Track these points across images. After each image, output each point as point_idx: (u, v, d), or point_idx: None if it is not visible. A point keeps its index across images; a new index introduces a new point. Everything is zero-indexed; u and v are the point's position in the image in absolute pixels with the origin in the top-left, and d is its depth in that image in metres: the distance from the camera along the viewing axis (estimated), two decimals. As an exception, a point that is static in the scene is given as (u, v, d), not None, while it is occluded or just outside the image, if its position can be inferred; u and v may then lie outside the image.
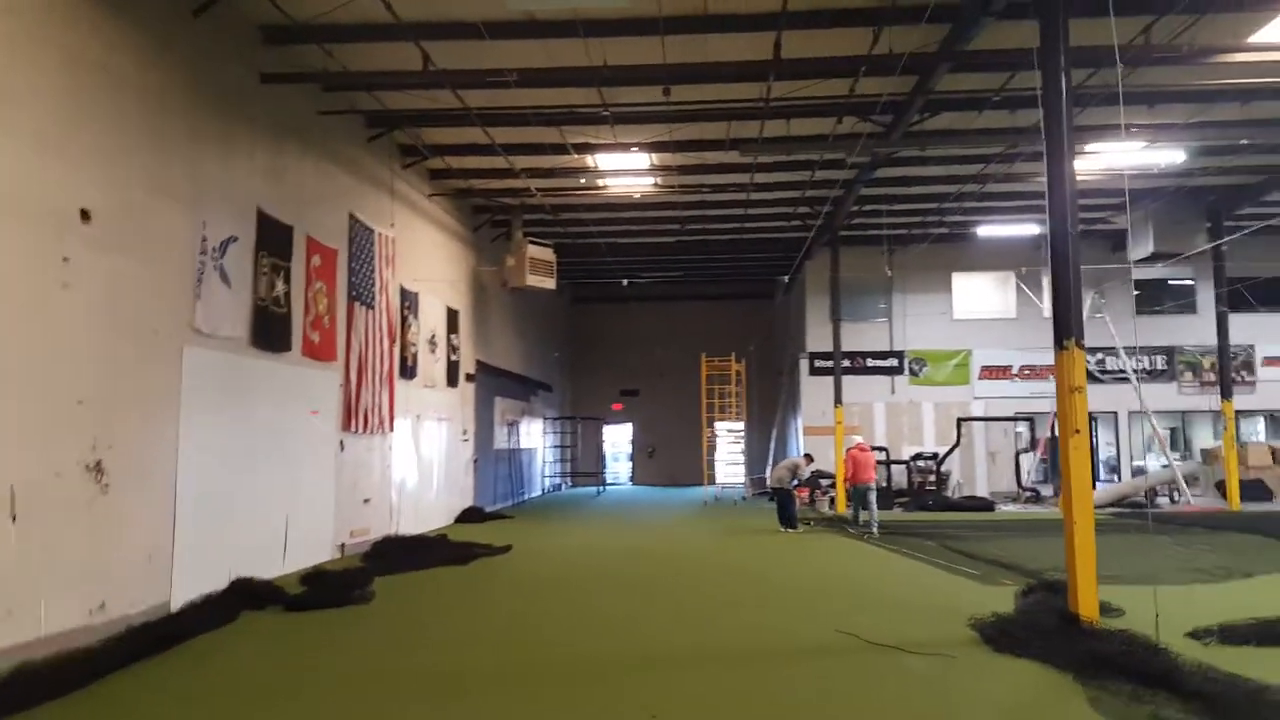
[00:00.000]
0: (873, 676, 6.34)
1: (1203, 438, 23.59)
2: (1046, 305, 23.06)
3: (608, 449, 30.61)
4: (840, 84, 12.35)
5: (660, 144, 14.92)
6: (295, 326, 11.55)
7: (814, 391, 23.70)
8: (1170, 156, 15.09)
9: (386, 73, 11.75)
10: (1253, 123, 13.95)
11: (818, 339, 23.91)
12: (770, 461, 27.32)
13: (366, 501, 13.78)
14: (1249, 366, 23.06)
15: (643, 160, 15.85)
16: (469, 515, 18.38)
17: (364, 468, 13.76)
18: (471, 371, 19.61)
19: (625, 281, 25.01)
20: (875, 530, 15.10)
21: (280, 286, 11.17)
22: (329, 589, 9.64)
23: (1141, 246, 19.45)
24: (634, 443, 31.61)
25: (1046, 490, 21.47)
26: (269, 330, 10.86)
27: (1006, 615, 7.77)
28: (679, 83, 12.10)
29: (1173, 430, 23.92)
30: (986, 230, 20.64)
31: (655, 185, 17.66)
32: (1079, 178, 17.27)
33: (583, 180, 16.77)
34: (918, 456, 21.88)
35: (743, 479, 24.55)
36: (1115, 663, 6.22)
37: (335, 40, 11.12)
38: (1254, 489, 20.31)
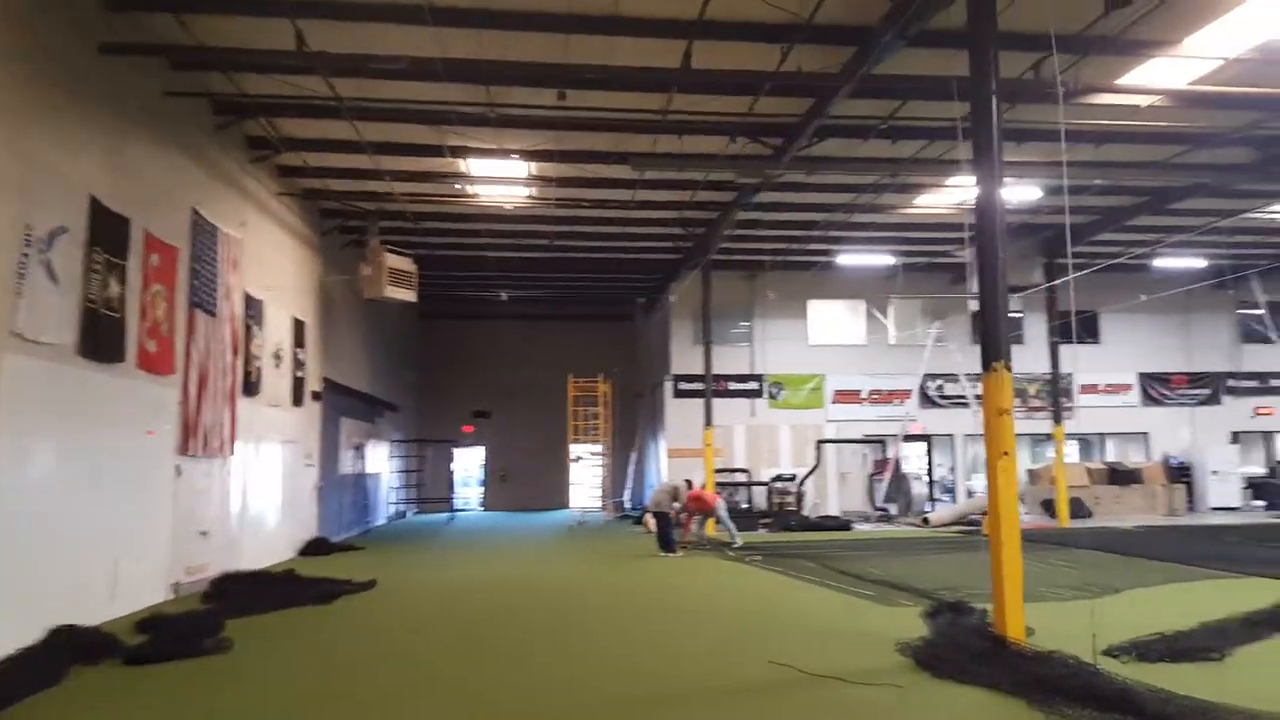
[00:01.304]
0: (828, 713, 5.91)
1: (1024, 459, 25.16)
2: (893, 333, 24.06)
3: (458, 474, 29.22)
4: (740, 102, 12.16)
5: (544, 153, 14.26)
6: (130, 334, 10.06)
7: (679, 414, 23.53)
8: (1027, 194, 15.92)
9: (252, 51, 10.49)
10: (1103, 164, 14.86)
11: (683, 361, 23.79)
12: (630, 485, 26.95)
13: (204, 534, 12.19)
14: (1068, 394, 24.83)
15: (521, 169, 15.11)
16: (315, 547, 16.80)
17: (202, 496, 12.17)
18: (318, 389, 18.07)
19: (504, 295, 23.88)
20: (736, 543, 15.77)
21: (114, 288, 9.68)
22: (175, 637, 8.26)
23: (985, 279, 20.49)
24: (485, 467, 30.39)
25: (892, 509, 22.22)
26: (100, 337, 9.37)
27: (932, 639, 7.60)
28: (577, 86, 11.51)
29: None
30: (846, 259, 21.19)
31: (530, 197, 16.95)
32: (933, 210, 18.21)
33: (457, 186, 15.82)
34: (778, 478, 22.10)
35: (601, 503, 23.96)
36: (1064, 687, 6.09)
37: (190, 9, 9.83)
38: (1073, 506, 21.71)
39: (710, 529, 17.68)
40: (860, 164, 14.38)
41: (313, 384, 17.68)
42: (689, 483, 16.70)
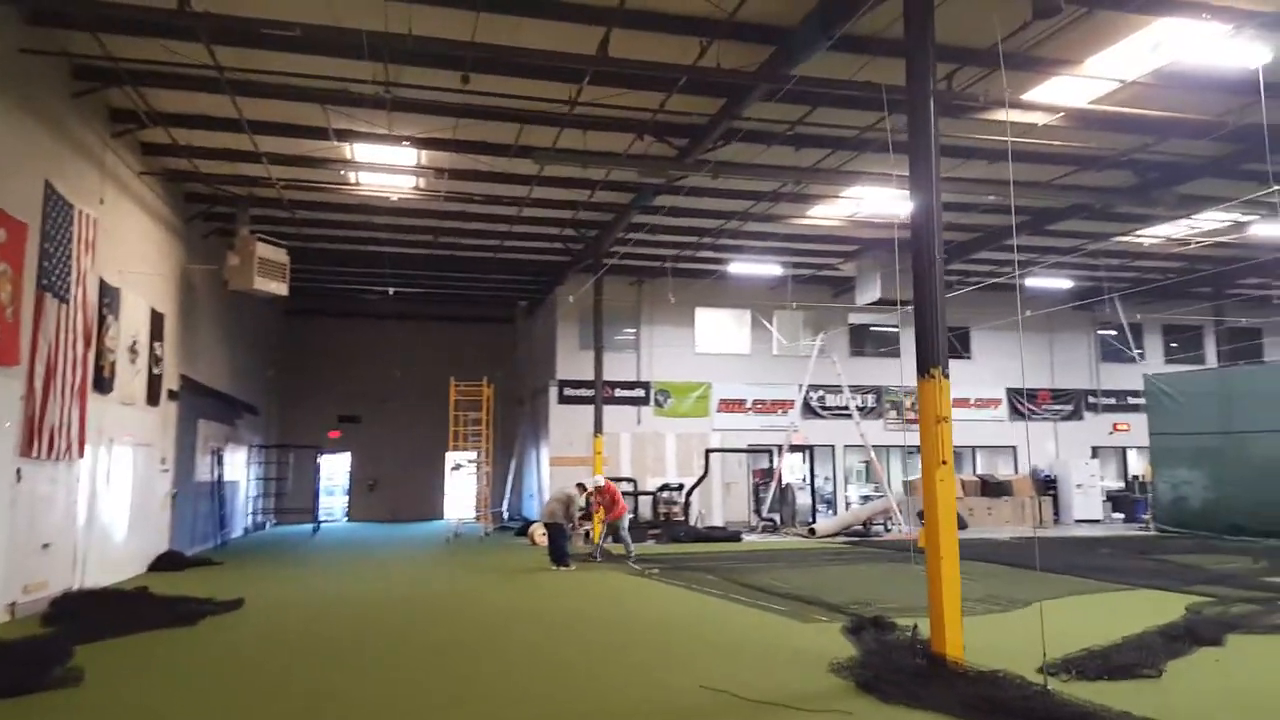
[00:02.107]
0: (779, 744, 5.52)
1: (896, 471, 25.85)
2: (782, 343, 24.28)
3: (323, 482, 27.54)
4: (652, 98, 11.79)
5: (439, 141, 13.47)
6: (-38, 317, 8.71)
7: (563, 421, 22.93)
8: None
9: (124, 4, 9.30)
10: (995, 181, 15.21)
11: (569, 367, 23.22)
12: (508, 495, 26.10)
13: (46, 547, 10.77)
14: (941, 407, 25.71)
15: (411, 157, 14.24)
16: (168, 561, 15.30)
17: (45, 503, 10.76)
18: (175, 388, 16.52)
19: (383, 292, 22.43)
20: (632, 556, 15.09)
21: (-54, 263, 8.35)
22: (17, 667, 7.11)
23: (869, 292, 20.93)
24: (352, 475, 28.80)
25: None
26: (-75, 320, 8.04)
27: (865, 659, 7.35)
28: (483, 70, 10.82)
29: (866, 463, 26.04)
30: (736, 268, 21.17)
31: (417, 189, 16.05)
32: (824, 222, 18.39)
33: (342, 172, 14.76)
34: (664, 487, 21.83)
35: (478, 513, 22.94)
36: (1019, 710, 5.88)
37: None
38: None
39: (595, 535, 17.22)
40: (763, 170, 14.24)
41: (170, 381, 16.14)
42: (601, 481, 16.14)
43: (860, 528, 21.30)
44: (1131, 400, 27.44)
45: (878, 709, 6.19)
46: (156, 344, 15.15)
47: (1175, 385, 21.84)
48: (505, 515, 25.71)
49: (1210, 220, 17.89)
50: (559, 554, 14.64)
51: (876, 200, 16.10)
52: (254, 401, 23.43)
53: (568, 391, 23.28)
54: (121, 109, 12.47)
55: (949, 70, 10.93)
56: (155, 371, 15.12)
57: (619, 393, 23.27)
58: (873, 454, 22.60)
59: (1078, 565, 14.30)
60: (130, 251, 13.74)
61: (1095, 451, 27.06)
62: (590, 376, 22.95)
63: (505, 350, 29.12)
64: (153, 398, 15.04)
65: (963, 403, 26.00)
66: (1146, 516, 24.26)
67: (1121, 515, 25.33)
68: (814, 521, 21.73)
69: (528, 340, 27.64)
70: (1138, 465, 27.70)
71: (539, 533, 19.00)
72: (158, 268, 15.26)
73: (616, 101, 11.74)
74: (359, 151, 13.84)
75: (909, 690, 6.42)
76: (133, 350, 13.93)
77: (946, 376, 7.34)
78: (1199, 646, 7.88)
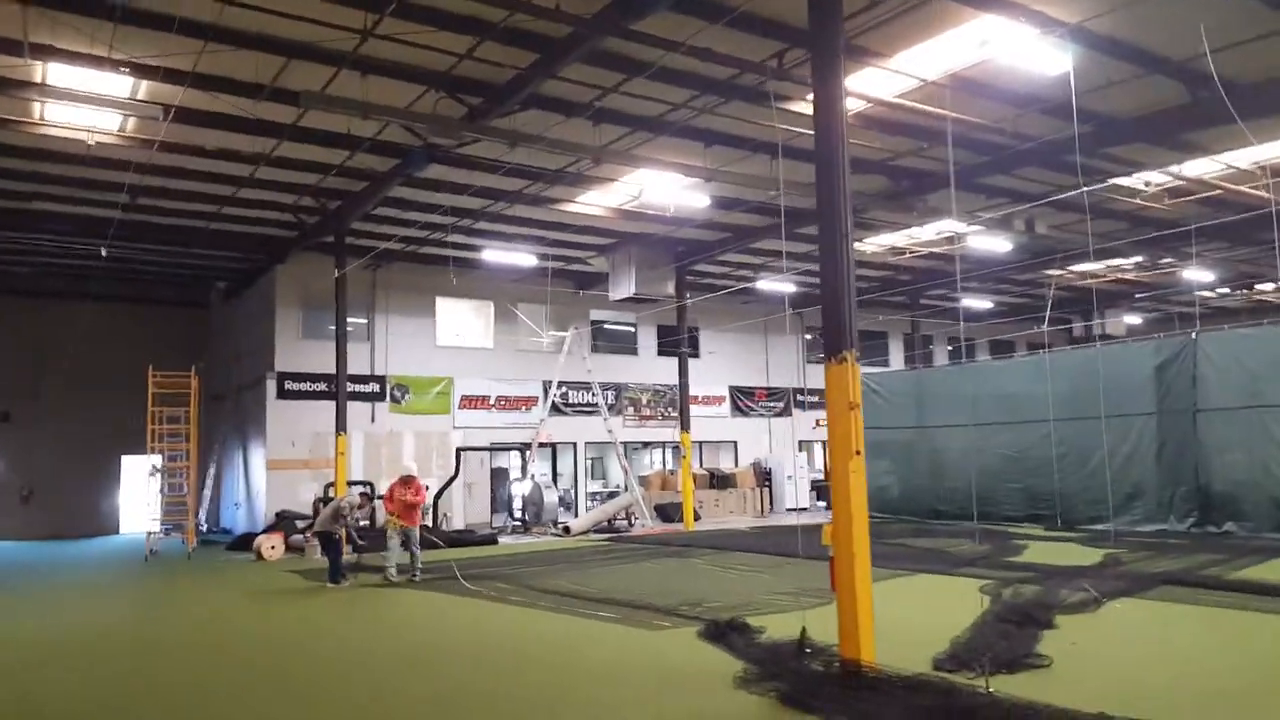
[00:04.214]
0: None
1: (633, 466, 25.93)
2: (524, 338, 23.32)
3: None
4: (459, 42, 10.33)
5: (173, 72, 10.90)
6: None
7: (282, 419, 20.13)
8: (698, 200, 16.11)
9: None
10: (770, 180, 15.41)
11: (289, 358, 20.46)
12: (207, 501, 22.49)
13: None
14: (672, 404, 26.16)
15: (126, 87, 11.43)
16: None
17: None
18: None
19: (104, 251, 17.62)
20: (390, 568, 12.70)
21: None
22: None
23: (623, 288, 20.63)
24: (-5, 484, 23.26)
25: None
26: None
27: (767, 670, 6.70)
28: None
29: (596, 460, 25.95)
30: (490, 255, 19.87)
31: (123, 132, 13.02)
32: (587, 211, 17.73)
33: (28, 100, 11.49)
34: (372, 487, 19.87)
35: (168, 526, 19.28)
36: (971, 717, 5.46)
37: None
38: (678, 510, 22.58)
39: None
40: (557, 144, 13.13)
41: None
42: (407, 478, 13.28)
43: (606, 524, 20.95)
44: (833, 398, 29.90)
45: None
46: None
47: (883, 384, 23.91)
48: (203, 527, 22.11)
49: (932, 231, 19.65)
50: (334, 569, 12.51)
51: (657, 189, 15.71)
52: None
53: (289, 385, 20.51)
54: None
55: (779, 49, 10.69)
56: None
57: (352, 388, 20.84)
58: (621, 450, 22.37)
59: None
60: None
61: (802, 445, 29.11)
62: (314, 369, 20.61)
63: (199, 338, 25.16)
64: None
65: (692, 399, 26.68)
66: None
67: (824, 503, 27.42)
68: (566, 520, 20.98)
69: (231, 327, 24.05)
70: (837, 457, 30.30)
71: (267, 545, 16.41)
72: None
73: (418, 39, 10.14)
74: (56, 75, 10.83)
75: (835, 703, 5.81)
76: None
77: (858, 360, 6.83)
78: (1040, 629, 8.09)
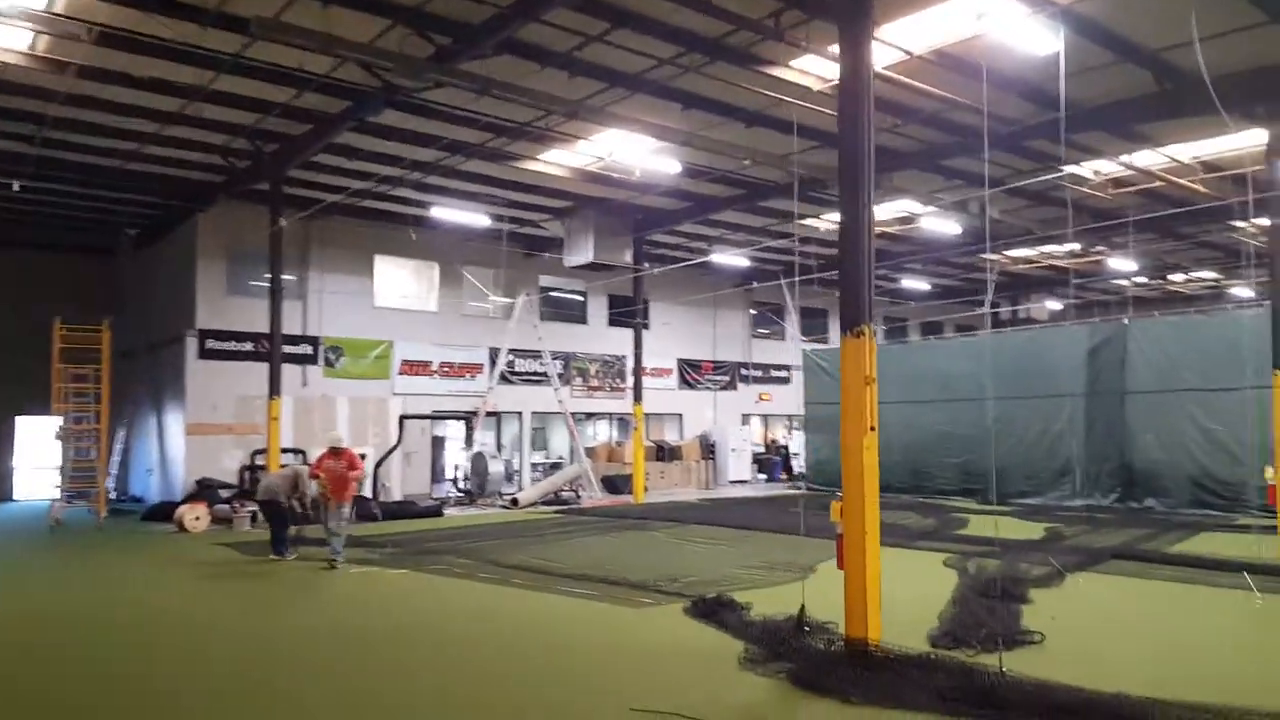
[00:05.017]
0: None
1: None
2: (469, 302, 22.38)
3: None
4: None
5: (104, -15, 9.69)
6: None
7: (204, 380, 18.80)
8: (668, 165, 15.42)
9: None
10: (744, 149, 14.82)
11: (212, 314, 19.10)
12: (115, 470, 20.93)
13: None
14: (621, 375, 25.58)
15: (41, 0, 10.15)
16: None
17: None
18: None
19: (16, 185, 15.65)
20: (340, 552, 11.29)
21: None
22: None
23: (580, 254, 19.85)
24: None
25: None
26: None
27: (776, 649, 6.35)
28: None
29: (538, 430, 25.20)
30: (440, 212, 18.76)
31: (32, 52, 11.61)
32: (548, 171, 16.87)
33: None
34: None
35: (69, 494, 17.75)
36: (993, 699, 5.19)
37: None
38: (629, 481, 22.01)
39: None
40: (528, 94, 12.23)
41: None
42: (337, 449, 11.86)
43: (568, 494, 20.37)
44: (774, 373, 29.76)
45: (842, 711, 5.18)
46: None
47: (829, 359, 23.74)
48: (111, 495, 20.58)
49: (887, 211, 19.41)
50: (278, 540, 11.59)
51: (626, 151, 14.97)
52: None
53: (211, 344, 19.15)
54: None
55: (777, 7, 10.07)
56: None
57: (283, 349, 19.60)
58: (571, 421, 21.71)
59: (796, 525, 14.54)
60: None
61: (745, 419, 28.92)
62: (240, 327, 19.36)
63: (106, 290, 23.24)
64: None
65: (641, 371, 26.14)
66: (783, 476, 26.71)
67: (764, 476, 27.35)
68: (513, 492, 20.22)
69: (145, 279, 22.31)
70: (777, 432, 30.22)
71: (191, 515, 15.26)
72: None
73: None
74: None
75: (864, 687, 5.47)
76: None
77: (874, 335, 6.36)
78: (1019, 604, 7.96)
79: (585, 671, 6.31)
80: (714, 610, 7.66)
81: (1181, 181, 16.49)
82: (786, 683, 5.70)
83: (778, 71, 11.87)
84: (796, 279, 22.17)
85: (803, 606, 6.91)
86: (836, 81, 11.61)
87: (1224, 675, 5.96)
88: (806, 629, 6.79)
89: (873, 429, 6.27)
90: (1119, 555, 10.90)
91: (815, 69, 11.72)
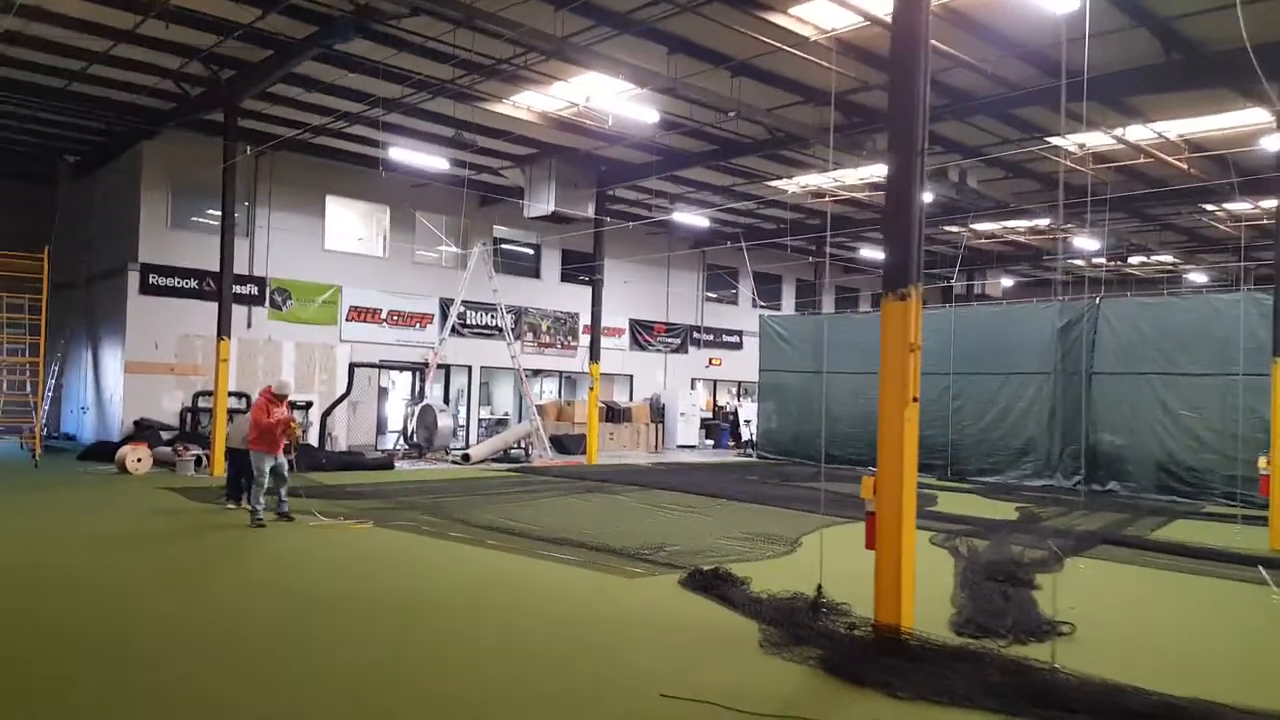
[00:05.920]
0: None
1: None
2: (421, 250, 21.66)
3: None
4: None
5: None
6: None
7: (145, 316, 17.86)
8: (646, 114, 14.94)
9: None
10: (727, 99, 14.38)
11: (155, 248, 18.11)
12: (48, 403, 19.83)
13: None
14: (573, 332, 25.15)
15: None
16: None
17: None
18: None
19: None
20: (260, 506, 10.23)
21: None
22: None
23: (541, 204, 19.27)
24: None
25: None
26: None
27: (796, 632, 6.03)
28: None
29: (484, 385, 24.67)
30: (397, 154, 17.95)
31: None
32: (515, 115, 16.22)
33: None
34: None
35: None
36: (1053, 700, 4.87)
37: None
38: (579, 441, 21.72)
39: (217, 469, 13.15)
40: (511, 27, 11.59)
41: None
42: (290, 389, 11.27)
43: (517, 450, 19.97)
44: (726, 338, 29.62)
45: (891, 708, 4.88)
46: None
47: (787, 327, 23.67)
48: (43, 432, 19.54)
49: (858, 176, 19.27)
50: (234, 487, 11.02)
51: (603, 96, 14.45)
52: None
53: (154, 280, 18.19)
54: None
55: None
56: None
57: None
58: (524, 376, 21.26)
59: (765, 495, 14.47)
60: None
61: (694, 383, 28.77)
62: (185, 263, 18.43)
63: (43, 218, 21.91)
64: None
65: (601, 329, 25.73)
66: (731, 443, 26.54)
67: (711, 442, 27.23)
68: (465, 446, 19.75)
69: (83, 208, 21.05)
70: (724, 398, 30.11)
71: (133, 457, 14.49)
72: None
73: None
74: None
75: (909, 680, 5.12)
76: None
77: (921, 298, 6.04)
78: (1029, 590, 7.74)
79: (591, 650, 5.92)
80: (713, 584, 7.37)
81: (1166, 158, 16.43)
82: (818, 669, 5.42)
83: (775, 18, 11.52)
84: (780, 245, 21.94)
85: (819, 586, 6.63)
86: (833, 31, 11.65)
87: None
88: (824, 610, 6.53)
89: (915, 400, 5.91)
90: (1110, 541, 10.65)
91: (813, 17, 11.40)
